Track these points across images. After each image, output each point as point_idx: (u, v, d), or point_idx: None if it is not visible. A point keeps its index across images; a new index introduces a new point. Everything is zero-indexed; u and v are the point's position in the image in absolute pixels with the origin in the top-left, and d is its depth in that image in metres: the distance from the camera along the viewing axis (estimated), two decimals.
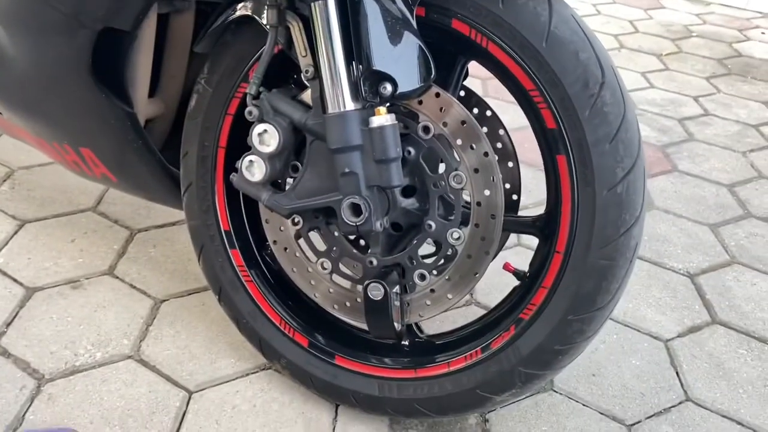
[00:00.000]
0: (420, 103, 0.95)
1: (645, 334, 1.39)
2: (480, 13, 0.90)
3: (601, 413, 1.20)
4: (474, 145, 0.95)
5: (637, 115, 2.28)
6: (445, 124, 0.95)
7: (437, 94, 0.94)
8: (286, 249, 1.11)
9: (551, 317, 0.97)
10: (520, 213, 1.16)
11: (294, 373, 1.16)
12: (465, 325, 1.14)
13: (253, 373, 1.23)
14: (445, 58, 0.99)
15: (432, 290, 1.04)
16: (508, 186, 1.16)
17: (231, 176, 1.01)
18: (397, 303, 1.03)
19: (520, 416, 1.18)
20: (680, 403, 1.24)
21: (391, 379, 1.10)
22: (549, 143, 0.94)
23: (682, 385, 1.27)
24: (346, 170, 0.91)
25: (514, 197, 1.16)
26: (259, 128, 0.95)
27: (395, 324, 1.03)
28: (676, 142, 2.15)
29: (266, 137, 0.95)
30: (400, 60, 0.88)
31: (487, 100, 1.18)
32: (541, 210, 1.04)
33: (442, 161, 0.98)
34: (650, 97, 2.45)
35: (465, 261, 1.00)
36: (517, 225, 1.09)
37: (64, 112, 1.14)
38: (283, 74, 1.04)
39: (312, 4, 0.88)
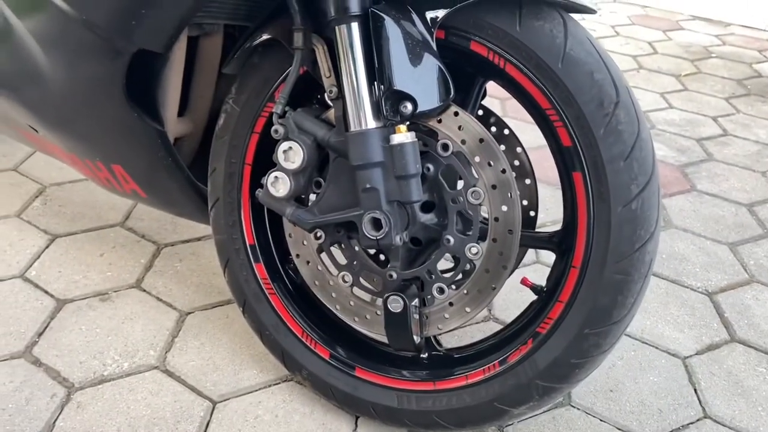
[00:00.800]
0: (439, 121, 0.98)
1: (663, 351, 1.39)
2: (497, 36, 0.93)
3: (619, 429, 1.21)
4: (492, 162, 0.98)
5: (656, 135, 2.30)
6: (463, 142, 0.98)
7: (456, 113, 0.97)
8: (308, 262, 1.14)
9: (568, 331, 0.99)
10: (538, 229, 1.18)
11: (315, 384, 1.19)
12: (483, 339, 1.15)
13: (275, 384, 1.26)
14: (463, 79, 1.03)
15: (450, 303, 1.06)
16: (525, 203, 1.18)
17: (256, 192, 1.05)
18: (416, 316, 1.05)
19: (537, 430, 1.19)
20: (698, 420, 1.24)
21: (410, 391, 1.12)
22: (565, 160, 0.97)
23: (700, 402, 1.28)
24: (368, 186, 0.95)
25: (532, 213, 1.18)
26: (284, 146, 1.00)
27: (414, 336, 1.05)
28: (694, 161, 2.16)
29: (291, 154, 0.99)
30: (420, 80, 0.92)
31: (506, 119, 1.21)
32: (558, 226, 1.07)
33: (460, 178, 1.01)
34: (669, 117, 2.46)
35: (483, 275, 1.03)
36: (534, 240, 1.12)
37: (98, 131, 1.19)
38: (308, 94, 1.09)
39: (336, 28, 0.92)
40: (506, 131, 1.18)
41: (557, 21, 0.92)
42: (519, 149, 1.18)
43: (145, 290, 1.47)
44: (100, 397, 1.21)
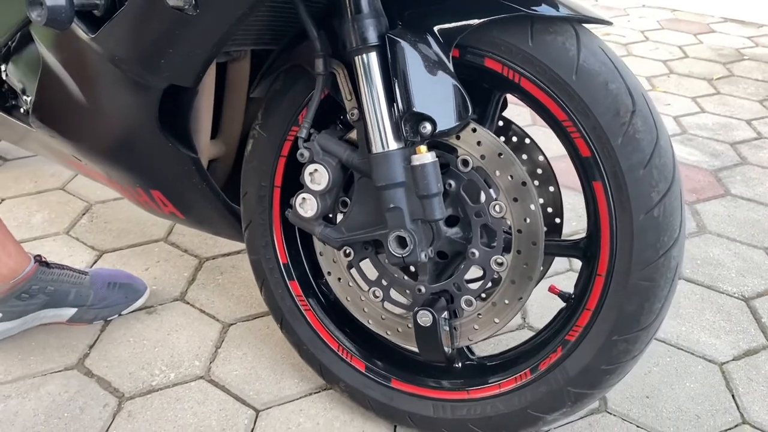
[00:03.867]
0: (458, 138, 0.99)
1: (699, 357, 1.39)
2: (511, 52, 0.95)
3: None
4: (512, 176, 0.98)
5: (688, 140, 2.29)
6: (482, 157, 0.99)
7: (474, 129, 0.98)
8: (339, 279, 1.17)
9: (596, 338, 1.00)
10: (563, 237, 1.19)
11: (353, 395, 1.22)
12: (513, 347, 1.17)
13: (315, 392, 1.30)
14: (481, 93, 1.04)
15: (479, 315, 1.08)
16: (550, 210, 1.19)
17: (286, 212, 1.08)
18: (446, 328, 1.07)
19: None
20: (736, 425, 1.24)
21: (444, 400, 1.14)
22: (585, 170, 0.98)
23: (738, 407, 1.28)
24: (391, 206, 0.97)
25: (557, 221, 1.19)
26: (310, 168, 1.02)
27: (445, 348, 1.07)
28: (728, 166, 2.15)
29: (317, 176, 1.02)
30: (438, 101, 0.94)
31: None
32: (583, 233, 1.08)
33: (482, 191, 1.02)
34: (701, 121, 2.45)
35: (509, 286, 1.04)
36: (559, 248, 1.12)
37: (135, 160, 1.22)
38: (331, 115, 1.11)
39: (356, 58, 0.95)
40: (527, 140, 1.20)
41: (569, 33, 0.93)
42: (541, 157, 1.19)
43: (188, 303, 1.53)
44: (149, 407, 1.26)
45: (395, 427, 1.23)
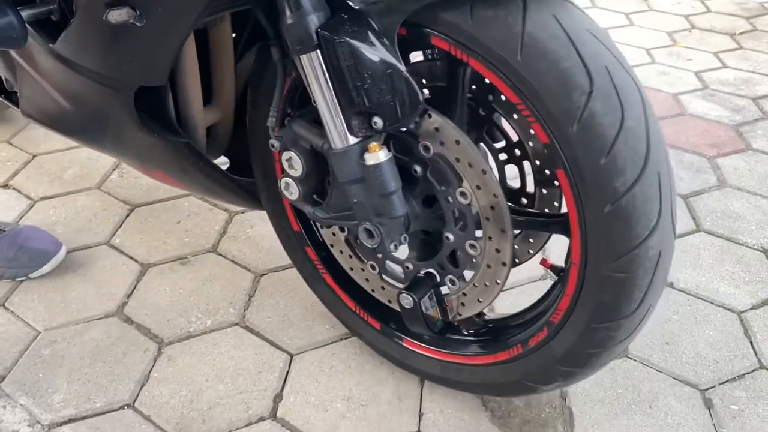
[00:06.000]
0: (416, 124, 0.95)
1: (718, 306, 1.43)
2: (453, 30, 0.86)
3: (675, 378, 1.26)
4: (471, 164, 0.93)
5: (710, 95, 2.29)
6: (442, 144, 0.94)
7: (429, 115, 0.93)
8: (341, 252, 1.20)
9: (577, 324, 0.97)
10: (542, 211, 1.13)
11: (375, 349, 1.28)
12: (510, 318, 1.17)
13: (346, 338, 1.35)
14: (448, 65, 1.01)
15: (464, 294, 1.08)
16: (548, 172, 1.09)
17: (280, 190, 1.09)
18: (435, 304, 1.09)
19: (595, 380, 1.26)
20: (754, 370, 1.28)
21: (449, 362, 1.17)
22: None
23: (755, 353, 1.32)
24: (355, 200, 0.96)
25: (556, 183, 1.10)
26: (285, 155, 1.02)
27: (431, 324, 1.09)
28: (750, 121, 2.15)
29: (293, 163, 1.02)
30: (385, 94, 0.87)
31: None
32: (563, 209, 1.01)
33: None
34: (723, 77, 2.44)
35: (486, 270, 1.02)
36: (540, 225, 1.07)
37: (126, 151, 1.22)
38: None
39: (297, 58, 0.90)
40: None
41: (515, 5, 0.82)
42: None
43: (221, 254, 1.58)
44: (188, 351, 1.32)
45: None
